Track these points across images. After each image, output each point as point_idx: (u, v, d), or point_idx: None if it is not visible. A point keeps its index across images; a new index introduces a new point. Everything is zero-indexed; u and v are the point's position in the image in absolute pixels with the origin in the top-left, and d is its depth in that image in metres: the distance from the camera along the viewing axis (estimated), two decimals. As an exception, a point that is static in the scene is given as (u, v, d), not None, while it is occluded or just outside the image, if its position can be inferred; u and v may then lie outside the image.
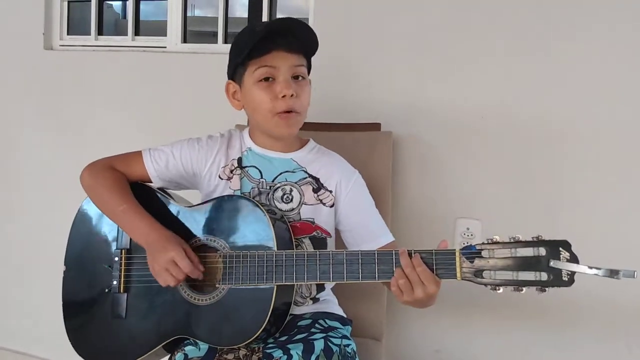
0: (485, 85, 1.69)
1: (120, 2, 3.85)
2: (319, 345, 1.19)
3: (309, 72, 1.33)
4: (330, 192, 1.31)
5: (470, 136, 1.71)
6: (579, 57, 1.60)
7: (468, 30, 1.70)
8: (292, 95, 1.23)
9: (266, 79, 1.24)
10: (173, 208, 1.29)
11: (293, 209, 1.29)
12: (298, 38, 1.25)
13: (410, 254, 1.08)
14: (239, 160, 1.32)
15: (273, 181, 1.30)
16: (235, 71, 1.29)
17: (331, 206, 1.31)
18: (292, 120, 1.25)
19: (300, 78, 1.27)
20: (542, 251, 1.01)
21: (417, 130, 1.75)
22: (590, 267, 0.98)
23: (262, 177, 1.30)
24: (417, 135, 1.75)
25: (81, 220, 1.36)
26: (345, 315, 1.38)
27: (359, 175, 1.35)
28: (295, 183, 1.30)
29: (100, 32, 2.31)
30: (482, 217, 1.71)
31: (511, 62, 1.66)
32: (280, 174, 1.31)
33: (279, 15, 2.30)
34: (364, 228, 1.31)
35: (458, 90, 1.72)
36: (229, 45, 1.30)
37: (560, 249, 1.00)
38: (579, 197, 1.63)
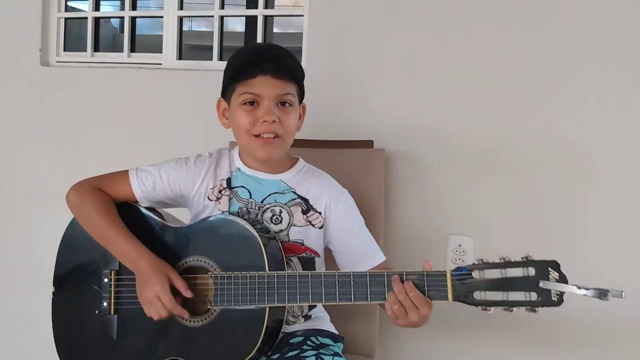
0: (477, 102, 1.70)
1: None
2: (310, 362, 1.19)
3: (302, 98, 1.33)
4: (320, 213, 1.31)
5: (462, 153, 1.72)
6: (571, 76, 1.61)
7: (461, 49, 1.71)
8: (273, 121, 1.23)
9: (251, 103, 1.25)
10: (162, 228, 1.28)
11: (282, 230, 1.29)
12: (286, 64, 1.26)
13: (402, 279, 1.09)
14: (228, 180, 1.32)
15: (262, 202, 1.30)
16: (226, 90, 1.31)
17: (320, 227, 1.31)
18: (270, 146, 1.25)
19: (287, 105, 1.27)
20: (532, 271, 1.02)
21: (409, 147, 1.76)
22: (579, 288, 0.99)
23: (251, 198, 1.31)
24: (409, 152, 1.76)
25: (69, 241, 1.34)
26: (337, 333, 1.38)
27: (348, 195, 1.35)
28: (285, 204, 1.30)
29: (96, 48, 2.32)
30: (474, 233, 1.71)
31: (504, 80, 1.67)
32: (269, 195, 1.31)
33: (275, 31, 2.31)
34: (355, 250, 1.32)
35: (450, 108, 1.73)
36: (224, 63, 1.32)
37: (549, 269, 1.02)
38: (571, 214, 1.63)
